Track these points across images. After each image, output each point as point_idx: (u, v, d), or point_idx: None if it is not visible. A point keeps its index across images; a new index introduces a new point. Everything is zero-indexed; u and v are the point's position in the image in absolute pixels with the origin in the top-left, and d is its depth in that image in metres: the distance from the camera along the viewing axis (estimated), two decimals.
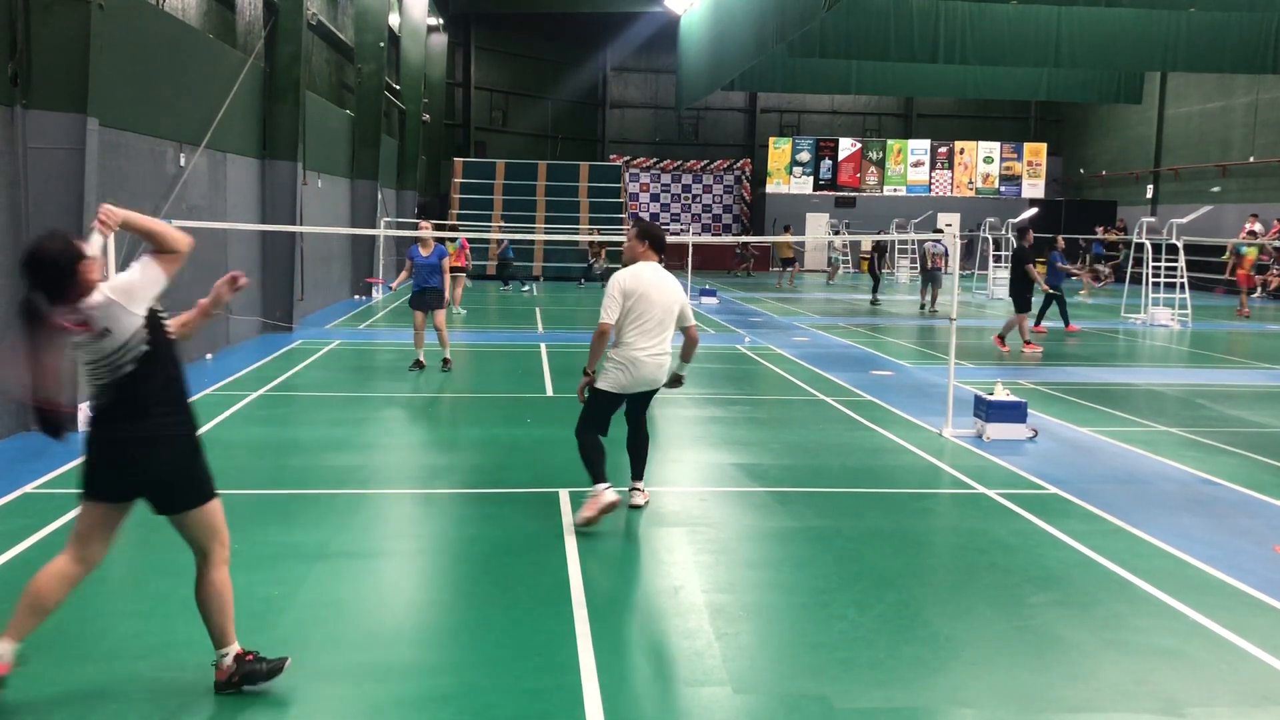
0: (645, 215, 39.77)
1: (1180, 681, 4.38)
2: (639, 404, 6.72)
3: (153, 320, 3.85)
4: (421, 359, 12.34)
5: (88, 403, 3.94)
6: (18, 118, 8.57)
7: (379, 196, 23.87)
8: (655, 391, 6.67)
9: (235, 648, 4.10)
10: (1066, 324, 17.46)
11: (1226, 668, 4.52)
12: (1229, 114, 31.37)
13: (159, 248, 3.85)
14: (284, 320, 16.19)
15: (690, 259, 21.48)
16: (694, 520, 6.58)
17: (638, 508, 6.72)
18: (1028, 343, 15.26)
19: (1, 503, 6.60)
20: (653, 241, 6.64)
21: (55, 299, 3.65)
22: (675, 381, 6.79)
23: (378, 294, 23.27)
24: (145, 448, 3.85)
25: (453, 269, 16.82)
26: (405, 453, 8.58)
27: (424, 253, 12.17)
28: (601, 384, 6.49)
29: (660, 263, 6.66)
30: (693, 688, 4.26)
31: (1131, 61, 21.15)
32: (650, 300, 6.40)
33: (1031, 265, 15.39)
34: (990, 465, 8.18)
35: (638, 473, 6.84)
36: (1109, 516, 6.79)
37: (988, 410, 9.06)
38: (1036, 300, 16.34)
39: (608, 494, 6.28)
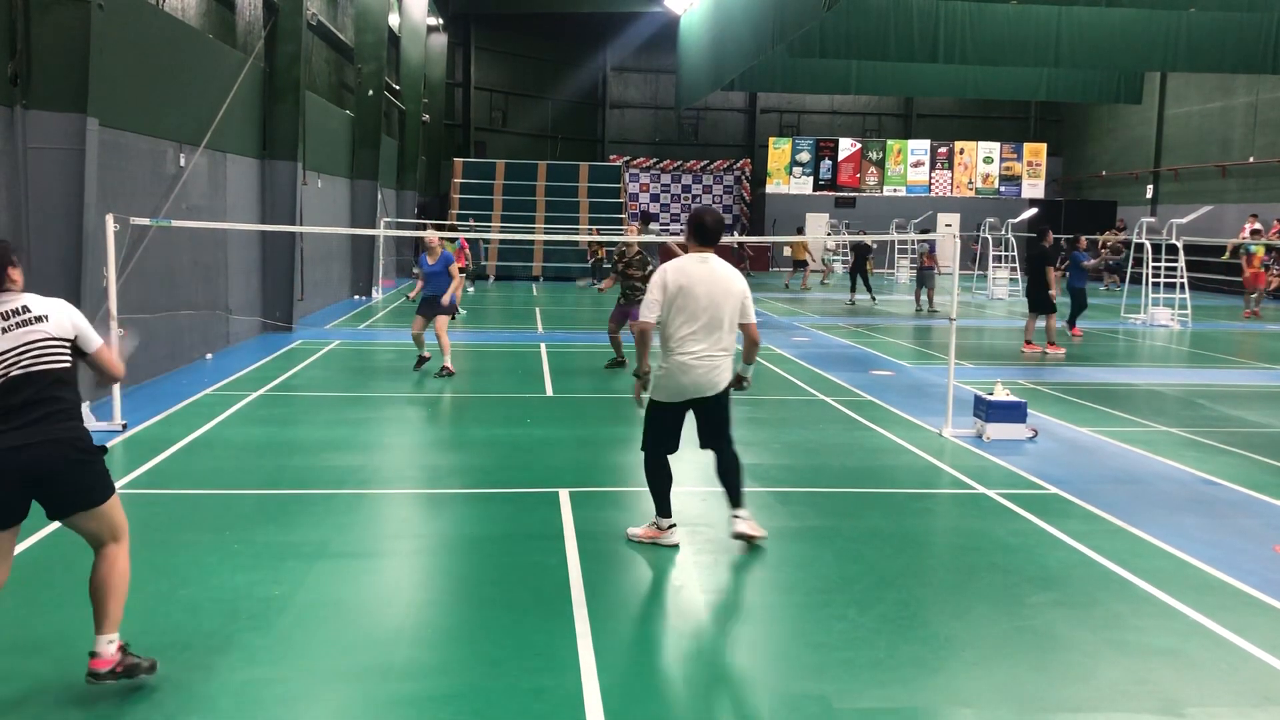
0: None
1: (1180, 681, 4.38)
2: (709, 418, 5.99)
3: (74, 349, 4.07)
4: (425, 353, 12.34)
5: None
6: (18, 118, 8.57)
7: (379, 197, 23.87)
8: (723, 402, 5.95)
9: (118, 638, 4.04)
10: (1072, 326, 17.32)
11: (1226, 668, 4.52)
12: (1229, 114, 31.37)
13: (103, 373, 4.26)
14: (284, 320, 16.19)
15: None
16: (694, 520, 6.57)
17: (745, 537, 5.99)
18: (1028, 343, 15.26)
19: None
20: (696, 230, 5.88)
21: None
22: (737, 383, 6.11)
23: (377, 294, 23.26)
24: (83, 448, 3.92)
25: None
26: (405, 453, 8.58)
27: (430, 261, 12.06)
28: (655, 395, 5.91)
29: (712, 252, 5.89)
30: (693, 688, 4.26)
31: (1131, 61, 21.15)
32: (695, 296, 5.71)
33: (1052, 267, 15.27)
34: (990, 465, 8.18)
35: (734, 499, 6.07)
36: (1109, 516, 6.79)
37: (987, 410, 9.05)
38: (1064, 302, 16.27)
39: (671, 535, 5.96)
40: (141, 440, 8.50)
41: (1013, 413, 9.08)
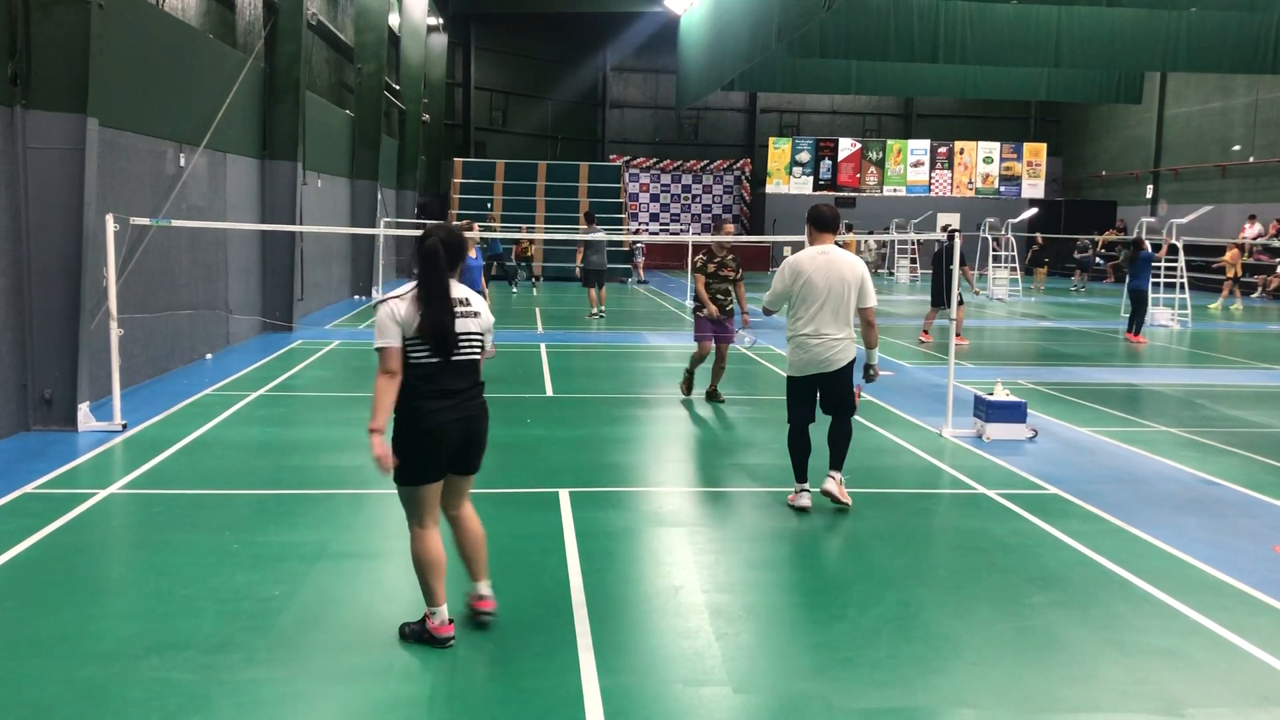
0: (645, 215, 39.78)
1: (1180, 681, 4.38)
2: (830, 390, 6.77)
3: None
4: None
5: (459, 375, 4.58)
6: (18, 118, 8.56)
7: (379, 196, 23.87)
8: (843, 379, 6.73)
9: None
10: (1133, 332, 17.27)
11: (1226, 668, 4.52)
12: (1229, 114, 31.37)
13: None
14: (284, 320, 16.19)
15: (691, 259, 21.31)
16: (694, 520, 6.58)
17: (829, 495, 6.75)
18: (925, 332, 16.55)
19: (1, 503, 6.61)
20: (814, 222, 6.72)
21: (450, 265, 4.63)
22: (867, 375, 7.01)
23: (377, 293, 23.26)
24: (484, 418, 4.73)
25: None
26: None
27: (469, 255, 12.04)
28: (788, 370, 6.81)
29: (831, 241, 6.69)
30: (693, 688, 4.26)
31: (1131, 61, 21.15)
32: (813, 285, 6.55)
33: (968, 267, 16.67)
34: (990, 465, 8.18)
35: (834, 460, 6.87)
36: (1109, 516, 6.79)
37: (987, 410, 9.05)
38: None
39: (802, 498, 6.77)
40: (141, 440, 8.50)
41: (1013, 413, 9.08)
